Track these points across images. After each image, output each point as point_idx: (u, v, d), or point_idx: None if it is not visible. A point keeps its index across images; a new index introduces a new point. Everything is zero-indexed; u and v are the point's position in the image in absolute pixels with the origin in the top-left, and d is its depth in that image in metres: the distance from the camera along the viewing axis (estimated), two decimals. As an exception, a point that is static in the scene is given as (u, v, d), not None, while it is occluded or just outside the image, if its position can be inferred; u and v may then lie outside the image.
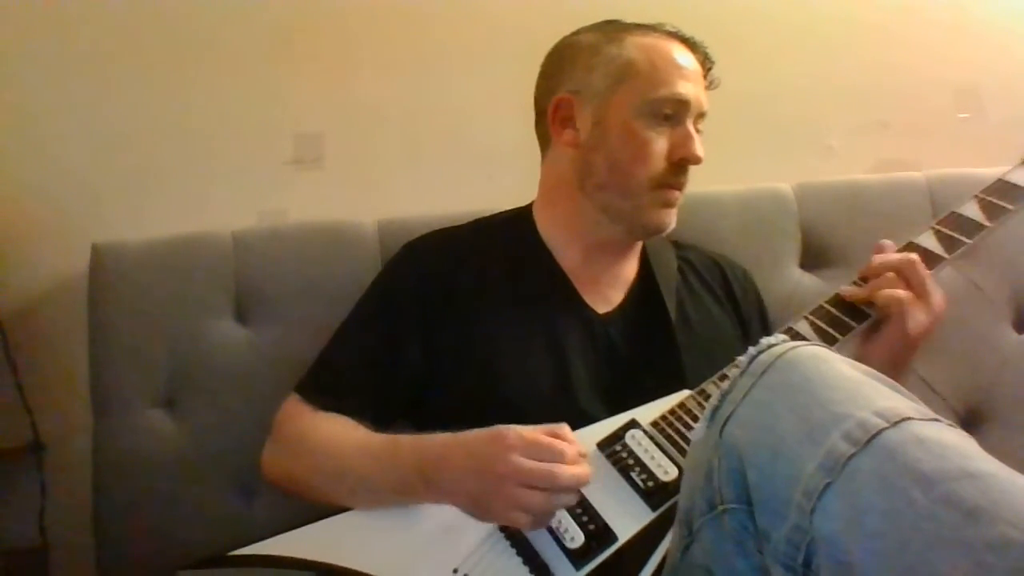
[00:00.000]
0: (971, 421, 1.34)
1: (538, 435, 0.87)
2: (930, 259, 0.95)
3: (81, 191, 1.40)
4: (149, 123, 1.42)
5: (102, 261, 1.25)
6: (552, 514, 0.88)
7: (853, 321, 0.95)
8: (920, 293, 0.93)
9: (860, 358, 0.93)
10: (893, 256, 0.96)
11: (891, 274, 0.94)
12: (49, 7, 1.38)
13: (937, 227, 0.98)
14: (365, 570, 0.89)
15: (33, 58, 1.38)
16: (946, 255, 0.95)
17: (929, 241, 0.97)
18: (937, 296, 0.94)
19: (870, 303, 0.95)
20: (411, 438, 0.96)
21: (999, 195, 0.98)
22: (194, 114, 1.44)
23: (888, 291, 0.93)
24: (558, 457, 0.86)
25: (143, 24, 1.42)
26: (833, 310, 0.96)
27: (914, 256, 0.95)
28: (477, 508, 0.90)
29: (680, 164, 1.04)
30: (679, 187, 1.06)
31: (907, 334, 0.92)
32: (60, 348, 1.37)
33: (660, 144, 1.04)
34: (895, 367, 0.94)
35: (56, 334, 1.38)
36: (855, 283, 0.98)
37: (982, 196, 0.99)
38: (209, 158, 1.44)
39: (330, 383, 1.07)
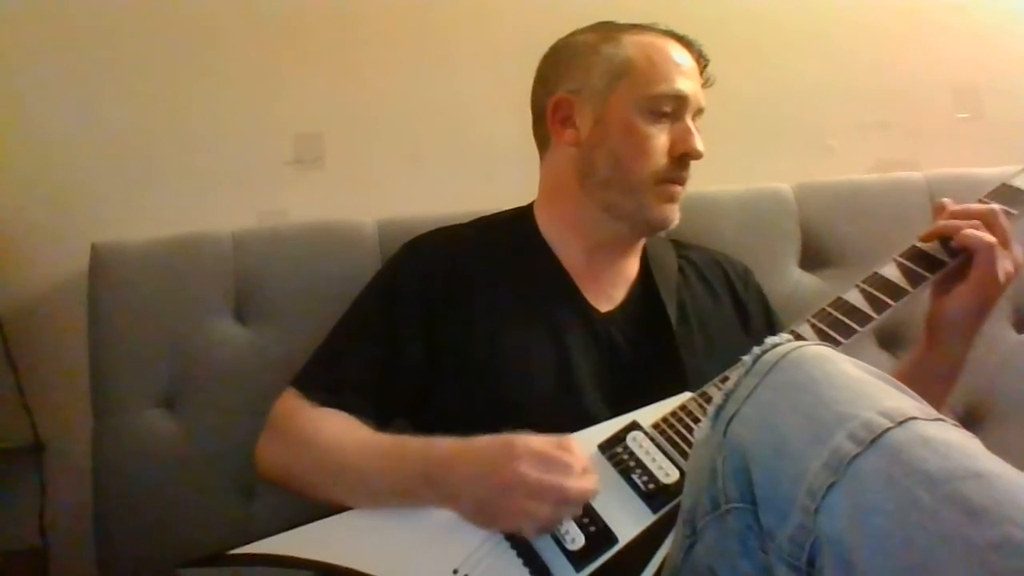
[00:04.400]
0: (971, 421, 1.34)
1: (546, 447, 0.87)
2: (932, 263, 0.96)
3: (81, 191, 1.40)
4: (149, 123, 1.42)
5: (102, 261, 1.25)
6: (558, 525, 0.87)
7: (927, 272, 0.94)
8: (1004, 241, 0.93)
9: (936, 312, 0.95)
10: (975, 206, 0.96)
11: (975, 220, 0.94)
12: (49, 7, 1.38)
13: None
14: (365, 570, 0.88)
15: (33, 58, 1.38)
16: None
17: (932, 245, 0.97)
18: (1018, 248, 0.94)
19: (951, 250, 0.95)
20: (418, 441, 0.95)
21: (1002, 199, 0.98)
22: (194, 114, 1.44)
23: (977, 232, 0.92)
24: (566, 470, 0.86)
25: (143, 24, 1.42)
26: (835, 313, 0.96)
27: (996, 206, 0.94)
28: (482, 515, 0.89)
29: (681, 159, 1.05)
30: (681, 182, 1.06)
31: (994, 278, 0.91)
32: (60, 348, 1.37)
33: (661, 140, 1.04)
34: (980, 314, 0.94)
35: (56, 334, 1.38)
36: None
37: (986, 201, 0.99)
38: (209, 158, 1.44)
39: (330, 378, 1.06)
